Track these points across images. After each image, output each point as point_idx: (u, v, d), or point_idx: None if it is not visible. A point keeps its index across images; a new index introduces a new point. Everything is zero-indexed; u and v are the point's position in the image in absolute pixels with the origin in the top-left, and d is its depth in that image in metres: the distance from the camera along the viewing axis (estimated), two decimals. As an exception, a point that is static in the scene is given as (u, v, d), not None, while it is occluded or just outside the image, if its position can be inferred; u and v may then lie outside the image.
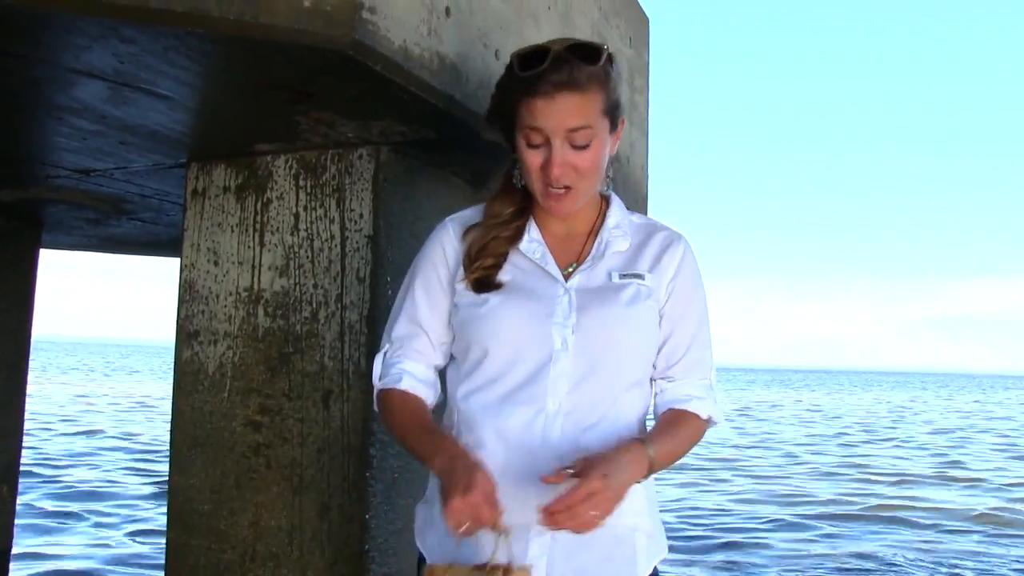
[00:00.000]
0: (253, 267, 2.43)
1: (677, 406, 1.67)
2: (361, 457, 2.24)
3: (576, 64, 1.57)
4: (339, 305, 2.30)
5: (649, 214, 3.26)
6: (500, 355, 1.61)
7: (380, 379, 1.71)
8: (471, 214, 1.77)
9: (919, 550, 8.02)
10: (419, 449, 1.64)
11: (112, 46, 1.70)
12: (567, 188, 1.61)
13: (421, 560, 1.74)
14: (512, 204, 1.72)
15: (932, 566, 7.38)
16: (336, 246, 2.32)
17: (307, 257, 2.36)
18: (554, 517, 1.41)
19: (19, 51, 1.76)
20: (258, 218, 2.43)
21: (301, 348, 2.34)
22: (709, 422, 1.70)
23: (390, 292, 2.29)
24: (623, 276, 1.66)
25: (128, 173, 2.79)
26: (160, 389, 27.01)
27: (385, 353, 1.72)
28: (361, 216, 2.30)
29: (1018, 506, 10.60)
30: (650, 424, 1.70)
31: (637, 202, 3.07)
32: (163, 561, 2.51)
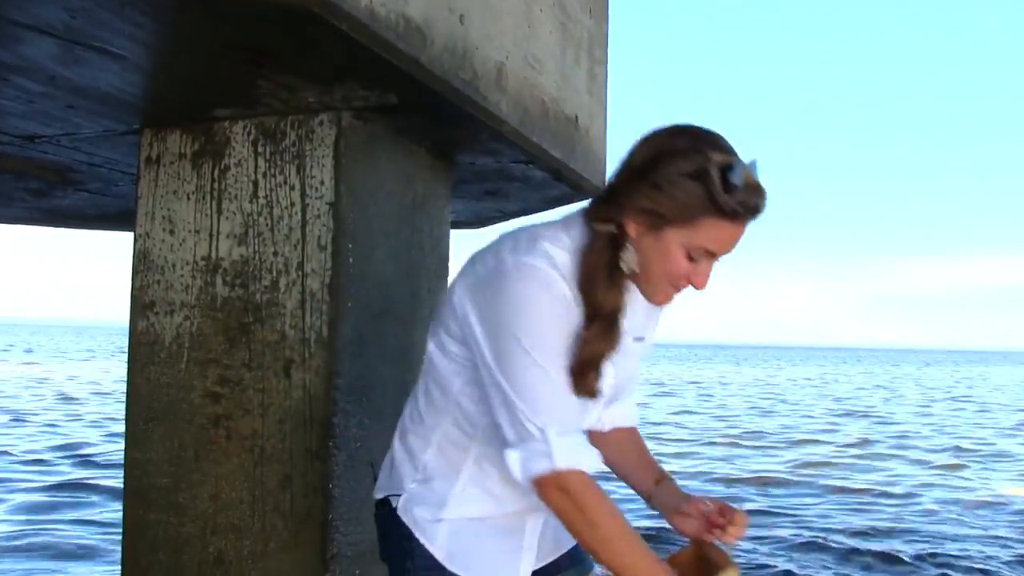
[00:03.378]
0: (211, 235, 2.37)
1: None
2: (323, 426, 2.21)
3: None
4: (300, 273, 2.27)
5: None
6: None
7: (559, 460, 1.55)
8: (566, 261, 1.61)
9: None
10: (639, 562, 1.59)
11: None
12: None
13: (406, 543, 1.72)
14: (619, 296, 1.63)
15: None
16: (296, 213, 2.28)
17: (267, 225, 2.31)
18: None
19: (-39, 4, 1.69)
20: (215, 185, 2.38)
21: (261, 317, 2.30)
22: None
23: (351, 259, 2.26)
24: (635, 339, 1.74)
25: (76, 140, 2.69)
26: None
27: (548, 431, 1.56)
28: (322, 183, 2.27)
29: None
30: None
31: (595, 173, 3.07)
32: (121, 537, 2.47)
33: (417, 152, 2.57)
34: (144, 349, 2.43)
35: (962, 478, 10.78)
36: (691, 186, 1.52)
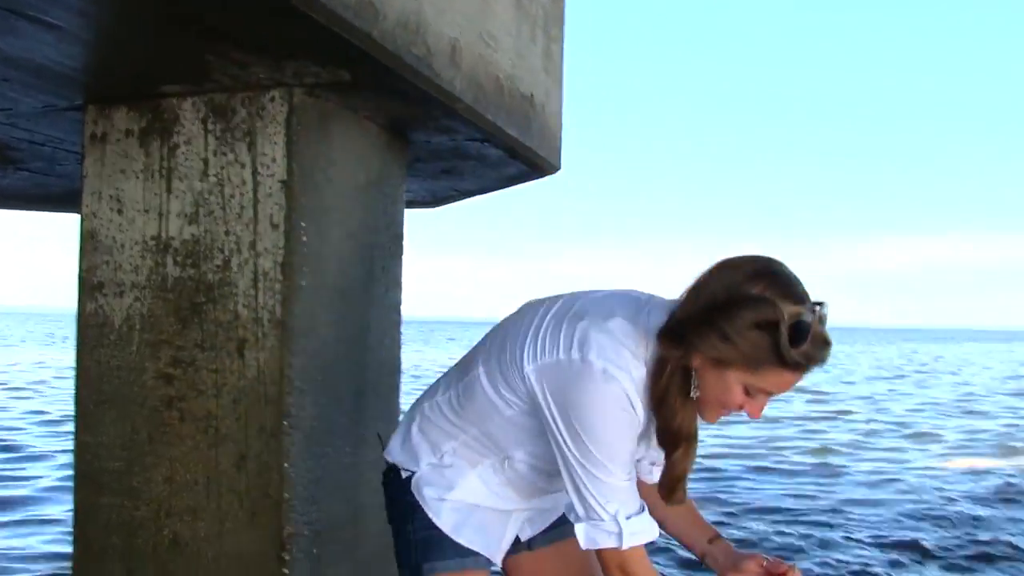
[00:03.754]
0: (160, 215, 2.34)
1: None
2: (278, 406, 2.19)
3: None
4: (252, 252, 2.24)
5: (562, 165, 3.26)
6: None
7: (626, 542, 1.76)
8: (642, 375, 1.75)
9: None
10: None
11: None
12: None
13: (410, 509, 1.96)
14: (695, 419, 1.77)
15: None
16: (248, 192, 2.25)
17: (218, 204, 2.28)
18: None
19: None
20: (164, 164, 2.33)
21: (213, 297, 2.27)
22: None
23: (305, 238, 2.24)
24: None
25: (13, 116, 2.60)
26: None
27: (619, 516, 1.77)
28: (274, 160, 2.24)
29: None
30: None
31: (551, 152, 3.07)
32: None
33: (371, 130, 2.55)
34: (93, 331, 2.38)
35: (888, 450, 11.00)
36: (758, 337, 1.59)
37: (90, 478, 2.36)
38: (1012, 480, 8.79)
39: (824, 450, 10.45)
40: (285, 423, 2.19)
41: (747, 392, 1.67)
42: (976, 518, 6.96)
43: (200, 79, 2.19)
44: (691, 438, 1.77)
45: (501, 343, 1.88)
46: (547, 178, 3.29)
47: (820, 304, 1.64)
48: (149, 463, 2.30)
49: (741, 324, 1.60)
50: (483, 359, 1.91)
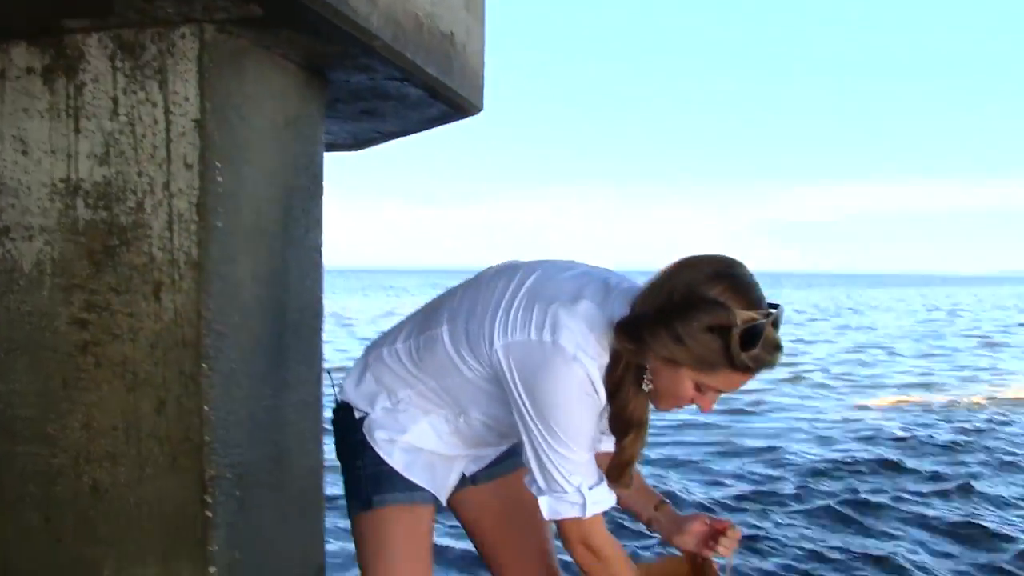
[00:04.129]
0: (69, 156, 2.27)
1: None
2: (196, 349, 2.17)
3: None
4: (166, 193, 2.19)
5: (485, 106, 3.24)
6: None
7: (588, 511, 1.86)
8: (601, 359, 1.80)
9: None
10: None
11: None
12: None
13: (360, 447, 2.07)
14: (647, 407, 1.86)
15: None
16: (160, 131, 2.20)
17: (129, 144, 2.22)
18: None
19: None
20: (71, 103, 2.26)
21: (127, 240, 2.22)
22: None
23: (220, 178, 2.20)
24: None
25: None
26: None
27: (582, 488, 1.86)
28: (186, 99, 2.18)
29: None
30: None
31: (473, 92, 3.05)
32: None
33: (288, 69, 2.49)
34: (2, 277, 2.31)
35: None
36: (711, 340, 1.64)
37: (3, 427, 2.31)
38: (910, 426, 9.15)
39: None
40: (204, 366, 2.16)
41: (698, 388, 1.74)
42: (884, 461, 7.23)
43: (104, 13, 2.11)
44: (642, 425, 1.86)
45: (470, 307, 1.91)
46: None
47: (775, 307, 1.69)
48: (65, 410, 2.26)
49: (695, 327, 1.65)
50: (448, 317, 1.94)
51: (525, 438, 1.83)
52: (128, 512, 2.23)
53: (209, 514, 2.18)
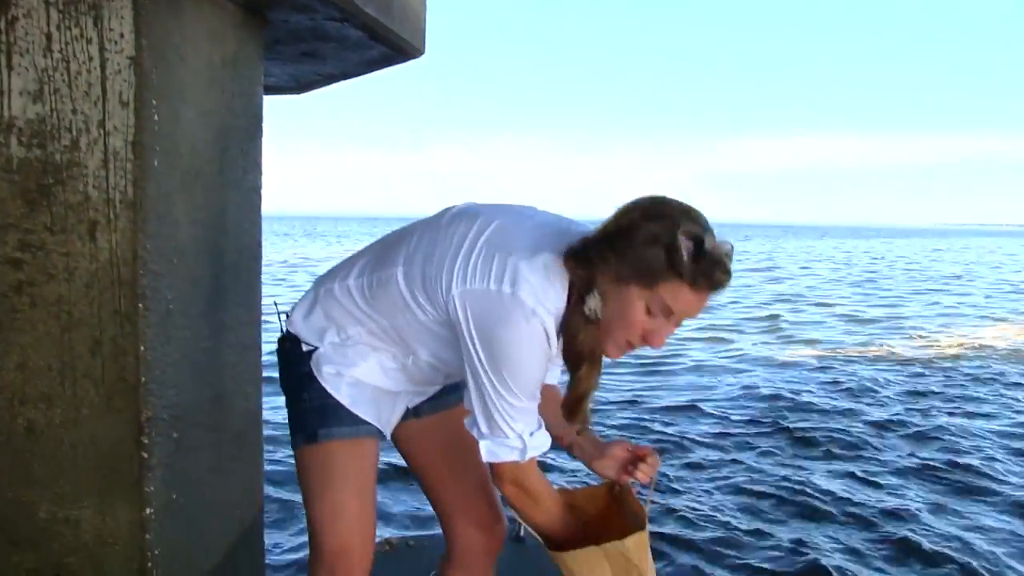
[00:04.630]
0: (1, 93, 2.21)
1: None
2: (132, 289, 2.16)
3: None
4: (102, 131, 2.16)
5: (427, 50, 3.22)
6: None
7: (528, 454, 1.91)
8: (556, 303, 1.82)
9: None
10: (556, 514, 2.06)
11: None
12: None
13: (307, 379, 2.11)
14: (596, 337, 1.85)
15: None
16: (96, 68, 2.16)
17: (63, 81, 2.18)
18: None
19: None
20: (3, 38, 2.20)
21: (62, 179, 2.19)
22: None
23: (156, 116, 2.17)
24: None
25: None
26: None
27: (524, 434, 1.90)
28: (122, 36, 2.15)
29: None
30: None
31: (415, 34, 3.03)
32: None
33: (226, 8, 2.46)
34: (-68, 215, 2.27)
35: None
36: (655, 251, 1.69)
37: (-64, 366, 2.29)
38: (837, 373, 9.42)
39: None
40: (140, 306, 2.16)
41: (649, 312, 1.74)
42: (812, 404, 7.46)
43: (36, -54, 2.07)
44: (594, 360, 1.87)
45: (428, 250, 1.91)
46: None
47: (725, 242, 1.75)
48: (0, 351, 2.24)
49: (639, 239, 1.71)
50: (404, 259, 1.94)
51: (472, 383, 1.86)
52: (64, 453, 2.23)
53: (145, 455, 2.20)
